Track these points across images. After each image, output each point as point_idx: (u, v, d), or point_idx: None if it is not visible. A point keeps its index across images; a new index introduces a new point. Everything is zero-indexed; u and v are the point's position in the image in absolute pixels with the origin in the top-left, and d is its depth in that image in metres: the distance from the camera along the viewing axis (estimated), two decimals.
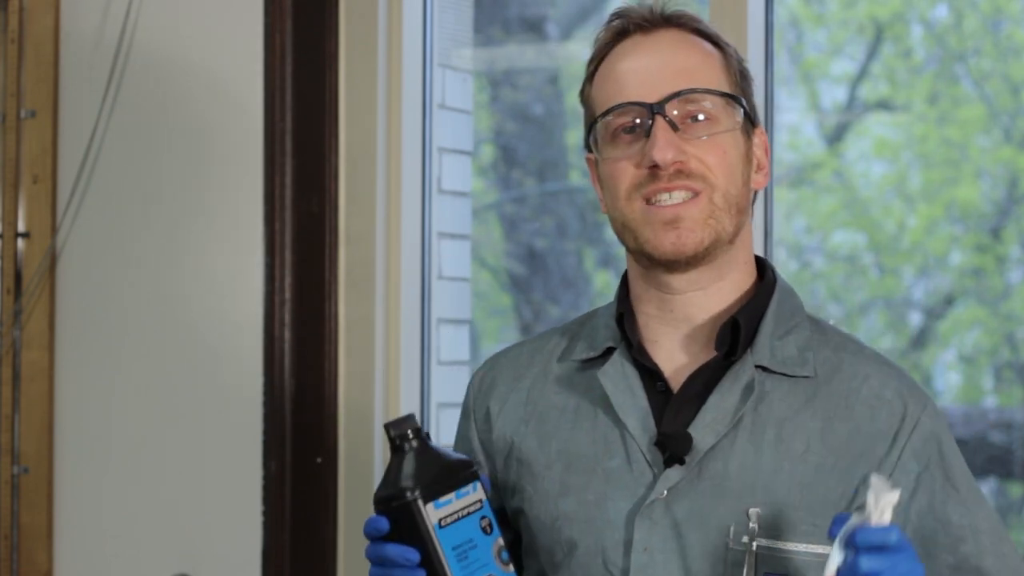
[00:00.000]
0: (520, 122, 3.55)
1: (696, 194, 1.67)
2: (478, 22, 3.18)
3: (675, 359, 1.73)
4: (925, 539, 1.69)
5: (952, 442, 1.73)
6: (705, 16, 1.79)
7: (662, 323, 1.73)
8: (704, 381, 1.70)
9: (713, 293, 1.72)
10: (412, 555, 1.60)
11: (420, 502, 1.59)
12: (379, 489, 1.61)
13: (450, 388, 3.00)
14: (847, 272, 3.31)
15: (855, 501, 1.66)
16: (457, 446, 1.84)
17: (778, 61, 2.68)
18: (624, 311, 1.75)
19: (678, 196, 1.67)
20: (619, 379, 1.71)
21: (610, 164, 1.71)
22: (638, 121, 1.68)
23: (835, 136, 3.36)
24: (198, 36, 3.02)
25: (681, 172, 1.67)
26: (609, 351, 1.74)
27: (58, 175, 3.12)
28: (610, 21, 1.75)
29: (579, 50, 3.37)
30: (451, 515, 1.61)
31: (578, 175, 3.47)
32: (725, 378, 1.69)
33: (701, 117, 1.69)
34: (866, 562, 1.50)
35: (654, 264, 1.70)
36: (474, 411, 1.83)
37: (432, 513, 1.60)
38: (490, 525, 1.64)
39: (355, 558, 2.90)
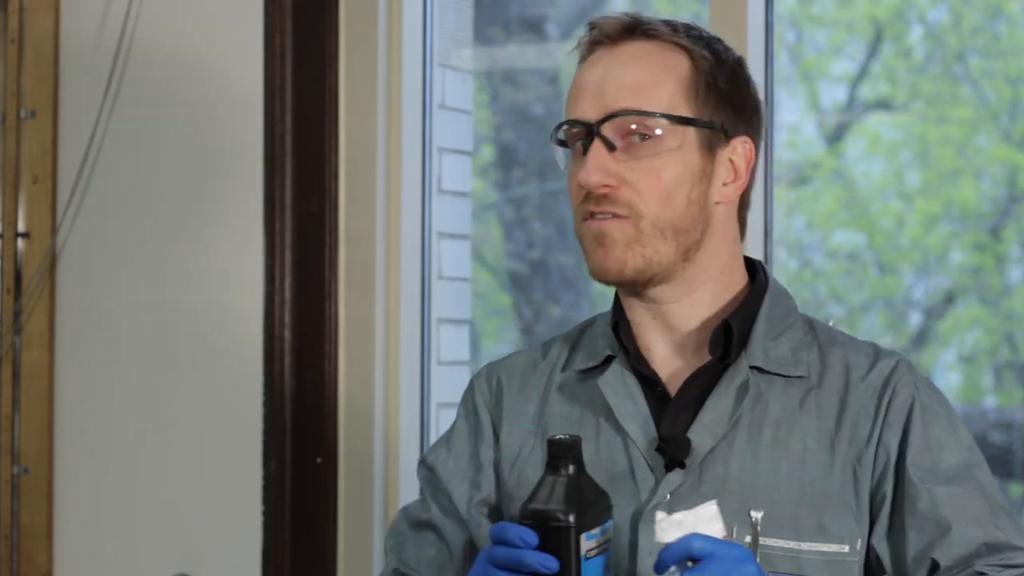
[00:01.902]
0: (520, 122, 3.55)
1: (621, 217, 1.68)
2: (478, 22, 3.17)
3: (671, 364, 1.74)
4: (902, 497, 1.68)
5: (929, 396, 1.71)
6: (705, 16, 1.79)
7: (651, 330, 1.75)
8: (700, 385, 1.71)
9: (689, 305, 1.73)
10: (552, 564, 1.55)
11: (575, 531, 1.56)
12: (530, 501, 1.58)
13: (450, 388, 3.00)
14: (847, 271, 3.31)
15: (859, 488, 1.67)
16: (455, 445, 1.83)
17: (778, 61, 2.68)
18: (619, 319, 1.76)
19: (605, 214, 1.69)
20: (619, 387, 1.73)
21: (568, 177, 1.73)
22: (580, 135, 1.70)
23: (835, 136, 3.36)
24: (198, 36, 3.02)
25: (607, 197, 1.67)
26: (608, 359, 1.76)
27: (58, 175, 3.12)
28: (588, 30, 1.75)
29: None
30: (593, 549, 1.59)
31: None
32: (721, 381, 1.70)
33: (638, 138, 1.67)
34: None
35: None
36: (490, 410, 1.82)
37: (583, 544, 1.57)
38: (609, 567, 1.63)
39: (355, 558, 2.90)
